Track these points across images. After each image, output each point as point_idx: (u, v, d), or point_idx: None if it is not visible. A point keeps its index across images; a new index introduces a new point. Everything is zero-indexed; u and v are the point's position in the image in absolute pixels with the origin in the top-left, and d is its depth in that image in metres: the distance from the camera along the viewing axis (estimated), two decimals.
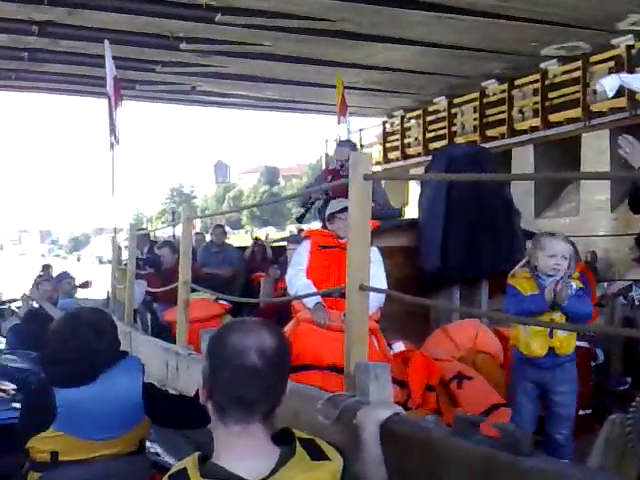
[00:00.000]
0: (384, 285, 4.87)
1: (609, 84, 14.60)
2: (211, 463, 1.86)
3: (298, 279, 4.99)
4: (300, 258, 5.19)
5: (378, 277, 4.97)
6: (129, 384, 3.13)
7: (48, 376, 3.15)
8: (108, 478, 3.00)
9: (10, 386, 4.87)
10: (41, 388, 3.12)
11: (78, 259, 66.82)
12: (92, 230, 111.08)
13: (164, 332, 7.14)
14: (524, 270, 4.20)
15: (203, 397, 1.94)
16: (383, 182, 8.13)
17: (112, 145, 10.42)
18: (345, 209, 4.16)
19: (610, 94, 15.13)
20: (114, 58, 10.80)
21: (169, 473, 1.86)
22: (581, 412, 5.15)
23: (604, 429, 1.93)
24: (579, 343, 5.26)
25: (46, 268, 14.35)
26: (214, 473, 1.82)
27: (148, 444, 3.56)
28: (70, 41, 17.38)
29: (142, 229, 12.38)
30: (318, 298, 3.70)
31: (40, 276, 12.97)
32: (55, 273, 13.89)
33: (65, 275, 9.25)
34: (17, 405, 3.45)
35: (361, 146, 26.21)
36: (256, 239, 12.78)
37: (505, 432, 2.10)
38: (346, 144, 8.09)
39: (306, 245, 5.25)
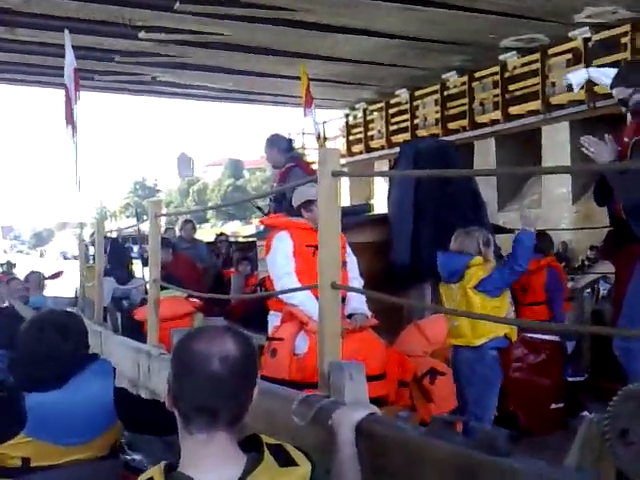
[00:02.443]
0: (361, 280, 4.88)
1: (576, 78, 14.74)
2: (177, 472, 1.84)
3: (298, 291, 4.44)
4: (286, 259, 4.73)
5: (355, 272, 4.96)
6: (100, 388, 3.09)
7: (17, 380, 3.08)
8: None
9: None
10: (10, 393, 3.05)
11: (41, 255, 66.00)
12: (55, 225, 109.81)
13: (134, 331, 7.04)
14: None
15: (169, 404, 1.92)
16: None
17: (74, 139, 10.24)
18: None
19: (576, 89, 15.31)
20: (72, 47, 10.62)
21: None
22: (553, 406, 5.22)
23: (581, 429, 1.93)
24: (549, 337, 5.33)
25: (7, 265, 14.14)
26: None
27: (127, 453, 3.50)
28: (27, 29, 17.14)
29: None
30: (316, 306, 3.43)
31: (8, 273, 12.81)
32: (18, 269, 13.73)
33: (32, 272, 9.11)
34: None
35: (324, 139, 26.20)
36: (220, 234, 12.71)
37: (482, 432, 2.10)
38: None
39: (287, 241, 4.78)
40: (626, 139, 4.12)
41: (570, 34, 17.55)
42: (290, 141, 7.49)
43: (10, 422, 2.95)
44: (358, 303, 4.68)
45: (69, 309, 7.06)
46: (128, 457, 4.16)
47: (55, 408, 2.95)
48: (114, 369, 3.24)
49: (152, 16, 16.26)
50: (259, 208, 8.44)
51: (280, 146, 7.14)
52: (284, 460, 1.91)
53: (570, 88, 15.77)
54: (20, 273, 9.56)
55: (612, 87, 4.41)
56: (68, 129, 10.03)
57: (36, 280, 8.73)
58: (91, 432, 3.04)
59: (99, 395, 3.07)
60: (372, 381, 3.19)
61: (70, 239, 63.85)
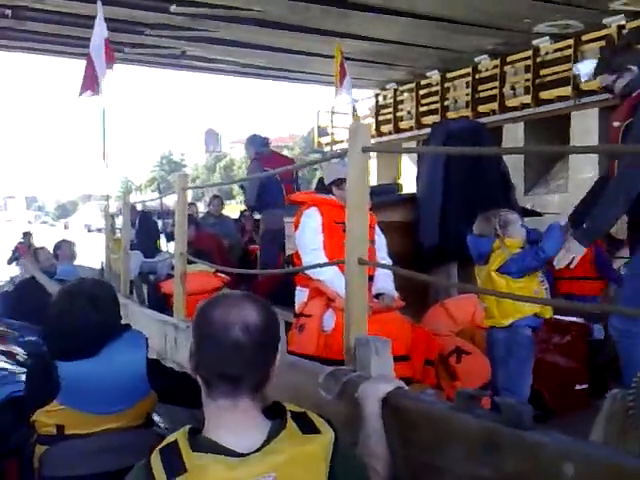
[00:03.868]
0: (389, 261, 4.89)
1: (585, 68, 14.60)
2: (202, 436, 1.86)
3: (327, 267, 4.44)
4: (314, 235, 4.73)
5: (384, 251, 4.99)
6: (132, 358, 3.12)
7: (50, 350, 3.12)
8: (114, 451, 2.99)
9: (21, 351, 4.86)
10: (44, 362, 3.10)
11: (65, 227, 66.12)
12: (79, 197, 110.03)
13: (160, 304, 7.09)
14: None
15: (191, 371, 1.95)
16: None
17: (102, 112, 10.31)
18: None
19: (584, 78, 15.13)
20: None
21: (160, 446, 1.85)
22: (577, 387, 5.22)
23: (605, 405, 1.95)
24: (575, 319, 5.33)
25: (26, 236, 14.19)
26: (205, 446, 1.83)
27: (156, 418, 3.54)
28: (58, 0, 17.15)
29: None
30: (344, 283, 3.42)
31: (27, 245, 12.86)
32: (38, 240, 13.75)
33: (64, 241, 9.16)
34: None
35: (357, 117, 26.14)
36: (244, 210, 12.70)
37: (506, 406, 2.11)
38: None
39: (316, 217, 4.79)
40: (616, 123, 4.08)
41: (604, 21, 17.34)
42: (265, 140, 8.77)
43: (43, 390, 3.02)
44: (386, 283, 4.71)
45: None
46: (160, 428, 4.20)
47: (88, 377, 3.00)
48: (147, 340, 3.29)
49: None
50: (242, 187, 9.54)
51: (254, 144, 8.58)
52: (307, 427, 1.92)
53: (579, 78, 15.63)
54: (46, 245, 9.54)
55: (595, 75, 4.36)
56: (86, 94, 10.04)
57: (67, 249, 8.79)
58: (124, 401, 3.09)
59: (132, 365, 3.11)
60: (397, 362, 3.20)
61: (94, 212, 63.91)
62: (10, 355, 4.73)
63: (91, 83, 10.01)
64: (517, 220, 4.50)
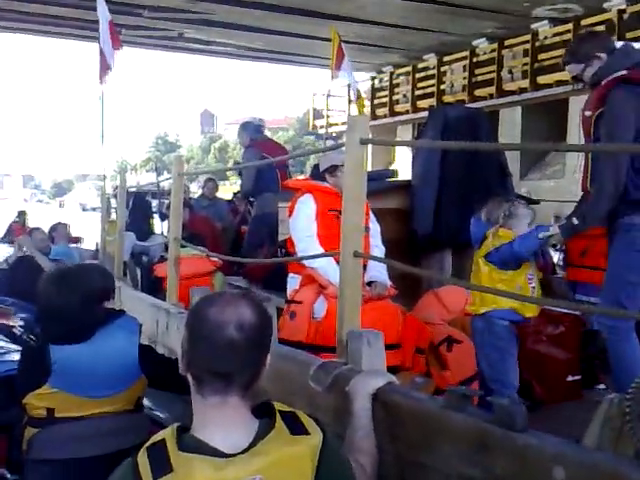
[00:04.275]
0: (383, 248, 4.90)
1: None
2: (189, 435, 1.85)
3: (320, 255, 4.46)
4: (308, 223, 4.74)
5: (378, 239, 4.98)
6: (125, 344, 3.13)
7: (43, 332, 3.12)
8: (104, 435, 3.01)
9: (18, 322, 4.85)
10: (36, 344, 3.10)
11: (61, 205, 66.07)
12: (75, 176, 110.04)
13: (154, 287, 7.08)
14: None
15: (182, 368, 1.94)
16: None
17: (102, 94, 10.27)
18: None
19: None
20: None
21: (147, 444, 1.85)
22: (570, 378, 5.20)
23: (601, 408, 1.93)
24: (568, 310, 5.30)
25: (21, 215, 14.17)
26: (192, 446, 1.81)
27: (146, 402, 3.55)
28: None
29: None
30: (337, 272, 3.43)
31: (22, 224, 12.84)
32: (34, 219, 13.74)
33: (59, 223, 9.17)
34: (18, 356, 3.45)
35: (349, 101, 26.09)
36: (238, 192, 12.64)
37: (499, 407, 2.10)
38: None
39: (310, 204, 4.79)
40: (588, 113, 3.99)
41: (605, 5, 17.25)
42: (259, 127, 8.81)
43: (35, 372, 3.01)
44: (378, 271, 4.69)
45: (95, 262, 7.13)
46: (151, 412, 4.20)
47: (80, 361, 3.00)
48: (140, 326, 3.29)
49: None
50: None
51: (248, 130, 8.57)
52: (296, 428, 1.92)
53: None
54: (41, 224, 9.55)
55: (564, 65, 4.20)
56: (105, 80, 10.04)
57: (63, 231, 8.86)
58: (116, 386, 3.09)
59: (124, 350, 3.11)
60: (387, 350, 3.17)
61: (89, 191, 63.88)
62: (8, 329, 4.73)
63: (105, 69, 10.02)
64: (526, 216, 4.36)
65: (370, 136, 3.37)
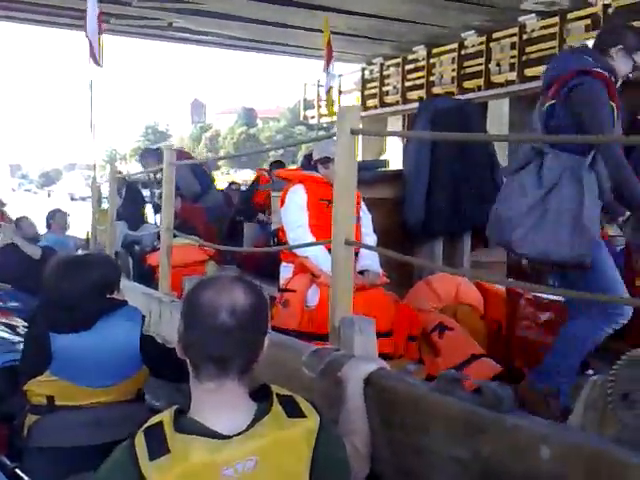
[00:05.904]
0: (375, 237, 4.94)
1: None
2: (187, 418, 1.87)
3: (312, 245, 4.50)
4: (300, 213, 4.77)
5: (369, 228, 5.03)
6: (127, 334, 3.13)
7: (44, 321, 3.13)
8: (105, 424, 3.01)
9: (20, 322, 4.86)
10: (37, 332, 3.11)
11: (49, 195, 65.55)
12: (63, 166, 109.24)
13: (146, 276, 7.09)
14: None
15: (179, 352, 1.96)
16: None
17: (91, 82, 10.25)
18: None
19: None
20: None
21: (145, 426, 1.86)
22: None
23: (585, 390, 1.97)
24: (556, 297, 5.34)
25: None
26: (189, 427, 1.84)
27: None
28: None
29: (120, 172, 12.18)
30: (329, 260, 3.49)
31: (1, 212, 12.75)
32: (20, 208, 13.55)
33: (58, 211, 9.10)
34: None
35: (340, 92, 26.11)
36: (231, 183, 12.61)
37: (487, 389, 2.14)
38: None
39: (301, 194, 4.82)
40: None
41: None
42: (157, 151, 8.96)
43: (36, 359, 3.04)
44: (371, 260, 4.73)
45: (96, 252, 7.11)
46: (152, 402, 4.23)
47: (81, 350, 3.01)
48: (143, 316, 3.30)
49: None
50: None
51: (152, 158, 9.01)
52: (293, 411, 1.94)
53: None
54: (29, 213, 9.45)
55: None
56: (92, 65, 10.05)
57: (62, 220, 8.80)
58: (117, 376, 3.10)
59: (125, 340, 3.12)
60: (379, 338, 3.22)
61: (78, 180, 63.41)
62: (11, 327, 4.75)
63: (93, 55, 10.02)
64: None
65: (361, 126, 3.43)
